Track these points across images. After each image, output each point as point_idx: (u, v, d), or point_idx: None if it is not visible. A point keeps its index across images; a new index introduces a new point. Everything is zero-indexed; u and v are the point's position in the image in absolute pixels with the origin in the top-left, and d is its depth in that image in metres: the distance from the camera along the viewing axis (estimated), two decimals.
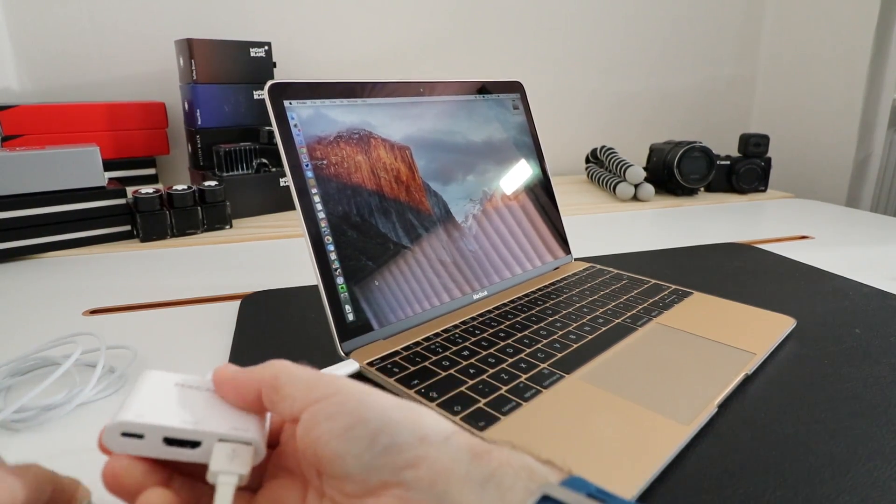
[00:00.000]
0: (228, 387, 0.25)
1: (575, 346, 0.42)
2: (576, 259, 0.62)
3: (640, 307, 0.49)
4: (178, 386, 0.25)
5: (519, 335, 0.43)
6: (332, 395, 0.22)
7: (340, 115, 0.44)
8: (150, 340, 0.48)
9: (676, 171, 1.04)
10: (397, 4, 1.17)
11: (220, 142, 0.94)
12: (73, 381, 0.39)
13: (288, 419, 0.25)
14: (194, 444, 0.23)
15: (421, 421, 0.22)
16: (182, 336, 0.49)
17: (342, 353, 0.40)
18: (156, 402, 0.23)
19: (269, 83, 0.41)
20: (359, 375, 0.39)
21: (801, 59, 1.36)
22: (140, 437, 0.22)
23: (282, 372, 0.24)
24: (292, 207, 0.39)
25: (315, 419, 0.22)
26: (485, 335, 0.43)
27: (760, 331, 0.45)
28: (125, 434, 0.22)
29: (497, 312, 0.48)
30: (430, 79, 0.51)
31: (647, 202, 1.05)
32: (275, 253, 0.74)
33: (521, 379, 0.37)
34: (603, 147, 1.20)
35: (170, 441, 0.22)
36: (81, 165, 0.73)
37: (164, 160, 1.07)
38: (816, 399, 0.37)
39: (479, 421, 0.33)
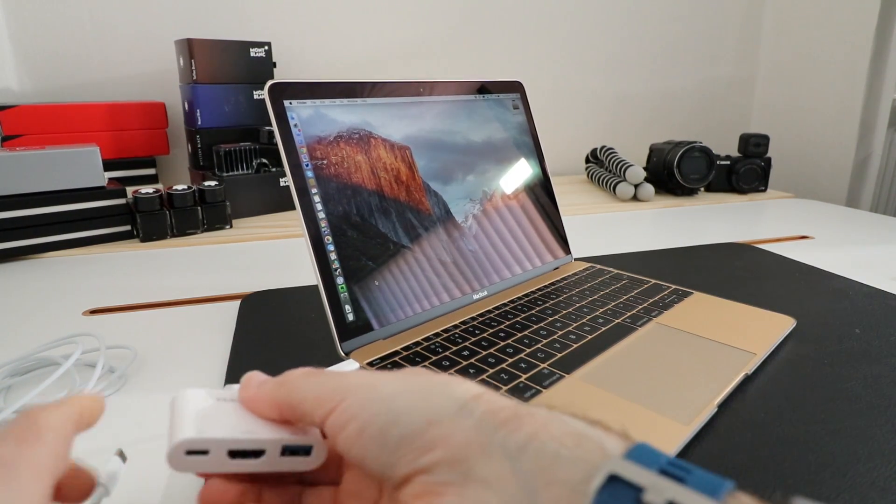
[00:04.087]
0: (252, 407, 0.24)
1: (575, 346, 0.42)
2: (576, 259, 0.62)
3: (640, 307, 0.49)
4: (219, 401, 0.25)
5: (519, 335, 0.43)
6: (340, 402, 0.21)
7: (340, 115, 0.44)
8: (150, 340, 0.48)
9: (676, 171, 1.04)
10: (397, 4, 1.17)
11: (220, 142, 0.94)
12: (73, 381, 0.39)
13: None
14: (258, 454, 0.23)
15: (428, 400, 0.20)
16: (182, 336, 0.49)
17: (342, 353, 0.40)
18: (207, 419, 0.23)
19: (269, 83, 0.41)
20: None
21: (801, 59, 1.36)
22: (205, 452, 0.22)
23: (292, 391, 0.23)
24: (292, 207, 0.39)
25: (333, 431, 0.21)
26: (485, 335, 0.43)
27: (760, 331, 0.45)
28: (190, 452, 0.22)
29: (497, 312, 0.48)
30: (430, 79, 0.51)
31: (647, 202, 1.05)
32: (275, 253, 0.74)
33: (521, 379, 0.37)
34: (603, 147, 1.20)
35: (234, 453, 0.22)
36: (81, 165, 0.73)
37: (164, 160, 1.07)
38: (816, 399, 0.37)
39: None
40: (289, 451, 0.23)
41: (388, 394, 0.21)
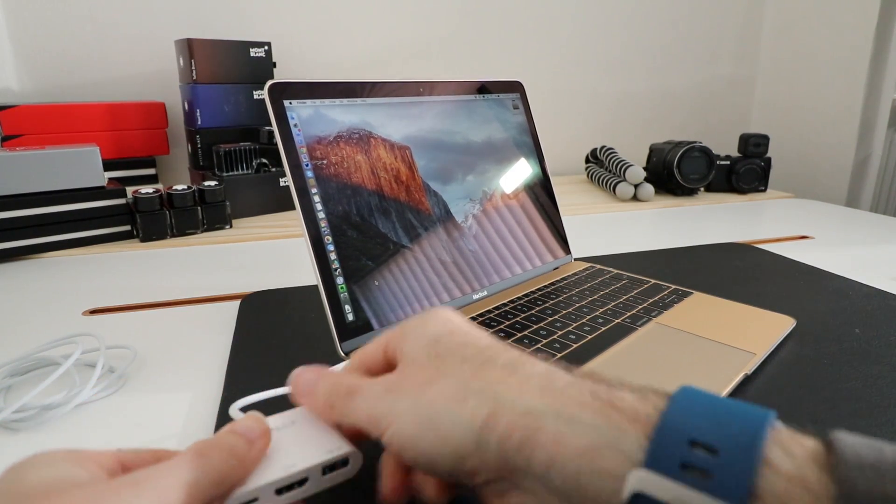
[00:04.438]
0: (307, 406, 0.27)
1: (575, 345, 0.42)
2: (576, 259, 0.62)
3: (640, 307, 0.49)
4: None
5: (519, 335, 0.43)
6: (384, 431, 0.23)
7: (340, 115, 0.44)
8: (150, 340, 0.48)
9: (676, 171, 1.04)
10: (397, 4, 1.17)
11: (220, 142, 0.94)
12: (72, 381, 0.39)
13: None
14: (302, 482, 0.24)
15: (447, 437, 0.21)
16: (182, 336, 0.49)
17: (342, 353, 0.40)
18: None
19: (269, 83, 0.41)
20: None
21: (801, 59, 1.36)
22: (255, 500, 0.23)
23: (342, 418, 0.25)
24: (292, 207, 0.39)
25: (389, 451, 0.24)
26: None
27: (760, 331, 0.45)
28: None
29: (497, 312, 0.48)
30: (430, 79, 0.51)
31: (647, 202, 1.05)
32: (275, 253, 0.74)
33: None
34: (603, 147, 1.20)
35: (280, 490, 0.23)
36: (81, 165, 0.73)
37: (164, 160, 1.07)
38: (816, 399, 0.37)
39: None
40: (329, 469, 0.25)
41: (410, 436, 0.22)
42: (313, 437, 0.26)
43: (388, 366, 0.27)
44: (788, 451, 0.16)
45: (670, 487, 0.16)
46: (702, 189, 1.12)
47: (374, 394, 0.24)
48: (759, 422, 0.16)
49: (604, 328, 0.45)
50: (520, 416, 0.20)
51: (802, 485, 0.15)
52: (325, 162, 0.42)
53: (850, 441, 0.16)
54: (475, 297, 0.50)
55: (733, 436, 0.16)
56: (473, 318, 0.46)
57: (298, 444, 0.25)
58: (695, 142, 1.06)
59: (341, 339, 0.40)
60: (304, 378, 0.28)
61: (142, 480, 0.19)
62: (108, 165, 0.89)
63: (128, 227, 0.78)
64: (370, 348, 0.28)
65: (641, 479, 0.16)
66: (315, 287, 0.40)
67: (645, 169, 1.08)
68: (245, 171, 0.91)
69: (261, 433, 0.24)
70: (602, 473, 0.17)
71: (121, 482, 0.19)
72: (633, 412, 0.18)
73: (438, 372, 0.23)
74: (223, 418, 0.35)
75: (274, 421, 0.27)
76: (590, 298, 0.51)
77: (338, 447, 0.25)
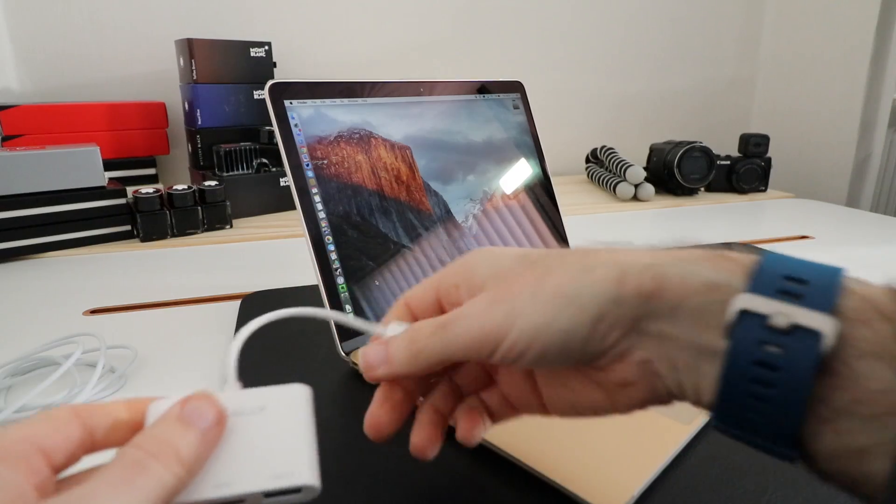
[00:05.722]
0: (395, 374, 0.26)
1: None
2: None
3: None
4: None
5: None
6: (501, 341, 0.23)
7: (341, 115, 0.44)
8: (150, 340, 0.48)
9: (676, 171, 1.04)
10: (397, 4, 1.17)
11: (220, 142, 0.94)
12: (73, 381, 0.39)
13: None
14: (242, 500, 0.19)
15: (583, 308, 0.22)
16: (182, 336, 0.49)
17: (342, 354, 0.40)
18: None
19: (270, 83, 0.41)
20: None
21: (801, 59, 1.36)
22: None
23: (434, 353, 0.24)
24: (292, 207, 0.39)
25: (504, 364, 0.24)
26: None
27: None
28: None
29: None
30: (430, 79, 0.51)
31: (647, 202, 1.05)
32: (275, 253, 0.74)
33: None
34: (603, 147, 1.20)
35: None
36: (81, 165, 0.73)
37: (164, 160, 1.07)
38: None
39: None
40: (273, 494, 0.20)
41: (543, 322, 0.22)
42: (275, 440, 0.20)
43: (441, 309, 0.26)
44: (862, 283, 0.20)
45: (769, 303, 0.19)
46: (702, 189, 1.12)
47: (478, 311, 0.23)
48: (836, 268, 0.21)
49: None
50: (646, 268, 0.22)
51: (872, 304, 0.19)
52: (325, 162, 0.42)
53: None
54: None
55: (819, 270, 0.20)
56: None
57: (250, 449, 0.20)
58: (695, 142, 1.06)
59: (342, 339, 0.40)
60: (372, 351, 0.26)
61: None
62: (108, 165, 0.89)
63: (128, 227, 0.78)
64: (417, 292, 0.27)
65: (745, 300, 0.19)
66: (315, 287, 0.40)
67: (645, 169, 1.08)
68: (245, 171, 0.91)
69: (214, 421, 0.20)
70: (719, 303, 0.20)
71: None
72: (739, 260, 0.21)
73: (546, 269, 0.23)
74: None
75: (237, 400, 0.21)
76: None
77: (296, 470, 0.20)
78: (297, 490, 0.20)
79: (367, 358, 0.26)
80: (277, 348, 0.45)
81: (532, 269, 0.24)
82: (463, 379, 0.28)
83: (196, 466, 0.19)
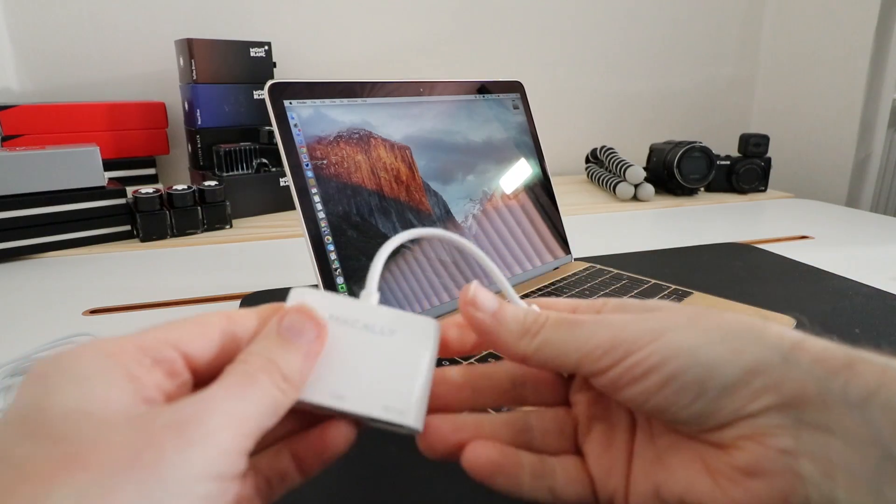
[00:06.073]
0: (489, 340, 0.23)
1: None
2: (576, 259, 0.62)
3: None
4: (332, 320, 0.21)
5: None
6: (625, 357, 0.20)
7: (340, 115, 0.44)
8: None
9: (676, 171, 1.04)
10: (397, 4, 1.17)
11: (220, 142, 0.94)
12: None
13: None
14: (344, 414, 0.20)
15: (742, 351, 0.18)
16: None
17: None
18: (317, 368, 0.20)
19: (269, 83, 0.41)
20: None
21: (801, 59, 1.36)
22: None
23: (545, 346, 0.21)
24: (292, 207, 0.39)
25: (617, 385, 0.20)
26: None
27: None
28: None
29: None
30: (430, 79, 0.51)
31: (647, 202, 1.05)
32: (275, 253, 0.74)
33: None
34: (603, 147, 1.20)
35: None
36: (81, 165, 0.73)
37: (164, 160, 1.07)
38: None
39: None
40: (379, 421, 0.21)
41: (689, 346, 0.19)
42: (396, 370, 0.21)
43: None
44: None
45: None
46: (702, 189, 1.12)
47: (620, 319, 0.21)
48: None
49: None
50: (841, 351, 0.18)
51: None
52: (325, 162, 0.42)
53: None
54: None
55: None
56: None
57: (371, 370, 0.21)
58: (695, 142, 1.06)
59: None
60: (488, 294, 0.23)
61: (186, 423, 0.16)
62: (108, 165, 0.89)
63: (128, 227, 0.78)
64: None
65: None
66: (315, 287, 0.40)
67: (645, 169, 1.08)
68: (245, 171, 0.91)
69: (313, 336, 0.20)
70: None
71: (161, 427, 0.16)
72: None
73: (714, 311, 0.21)
74: None
75: (370, 314, 0.22)
76: (590, 298, 0.51)
77: (406, 409, 0.20)
78: (400, 425, 0.21)
79: (478, 295, 0.23)
80: None
81: (694, 309, 0.21)
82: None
83: (300, 380, 0.19)
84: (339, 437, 0.21)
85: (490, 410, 0.29)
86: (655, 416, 0.20)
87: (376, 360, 0.21)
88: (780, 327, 0.19)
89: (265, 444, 0.21)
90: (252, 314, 0.21)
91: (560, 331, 0.21)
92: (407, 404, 0.21)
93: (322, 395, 0.20)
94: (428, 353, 0.22)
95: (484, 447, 0.22)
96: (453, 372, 0.24)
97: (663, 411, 0.19)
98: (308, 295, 0.21)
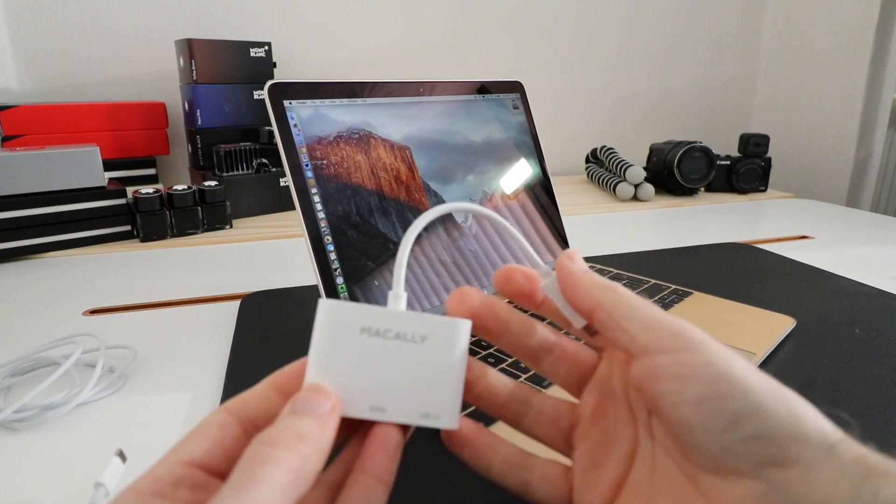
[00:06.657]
0: (569, 283, 0.23)
1: None
2: None
3: None
4: (364, 333, 0.21)
5: None
6: (684, 350, 0.19)
7: (340, 115, 0.44)
8: (150, 340, 0.48)
9: (676, 171, 1.04)
10: (397, 4, 1.17)
11: (220, 142, 0.94)
12: (72, 381, 0.39)
13: (619, 349, 0.22)
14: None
15: (799, 415, 0.18)
16: (182, 336, 0.49)
17: None
18: (337, 365, 0.21)
19: (269, 83, 0.41)
20: None
21: (801, 58, 1.36)
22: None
23: (622, 303, 0.21)
24: (292, 207, 0.39)
25: (659, 373, 0.19)
26: None
27: (760, 331, 0.45)
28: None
29: None
30: (429, 79, 0.51)
31: (647, 202, 1.05)
32: (275, 253, 0.74)
33: (522, 378, 0.37)
34: (603, 147, 1.20)
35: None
36: (81, 165, 0.73)
37: (164, 160, 1.07)
38: (816, 399, 0.37)
39: (479, 421, 0.33)
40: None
41: (751, 382, 0.18)
42: (430, 376, 0.21)
43: None
44: None
45: None
46: (702, 189, 1.12)
47: (696, 327, 0.21)
48: None
49: None
50: (882, 459, 0.18)
51: None
52: (325, 162, 0.42)
53: None
54: None
55: None
56: None
57: (406, 379, 0.21)
58: (695, 142, 1.06)
59: None
60: (580, 256, 0.24)
61: None
62: (108, 165, 0.90)
63: (128, 227, 0.78)
64: None
65: None
66: (315, 287, 0.40)
67: (645, 169, 1.08)
68: (245, 171, 0.91)
69: (329, 408, 0.20)
70: None
71: None
72: None
73: None
74: None
75: (400, 321, 0.22)
76: None
77: (443, 413, 0.21)
78: (436, 428, 0.22)
79: (577, 255, 0.24)
80: (277, 348, 0.45)
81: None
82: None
83: (321, 444, 0.19)
84: (391, 433, 0.22)
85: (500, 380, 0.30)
86: (674, 427, 0.19)
87: (411, 370, 0.21)
88: (830, 424, 0.19)
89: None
90: (264, 388, 0.22)
91: (635, 297, 0.22)
92: (443, 409, 0.21)
93: (361, 408, 0.21)
94: (460, 355, 0.22)
95: (465, 422, 0.24)
96: (501, 308, 0.24)
97: (685, 426, 0.19)
98: (338, 307, 0.21)
